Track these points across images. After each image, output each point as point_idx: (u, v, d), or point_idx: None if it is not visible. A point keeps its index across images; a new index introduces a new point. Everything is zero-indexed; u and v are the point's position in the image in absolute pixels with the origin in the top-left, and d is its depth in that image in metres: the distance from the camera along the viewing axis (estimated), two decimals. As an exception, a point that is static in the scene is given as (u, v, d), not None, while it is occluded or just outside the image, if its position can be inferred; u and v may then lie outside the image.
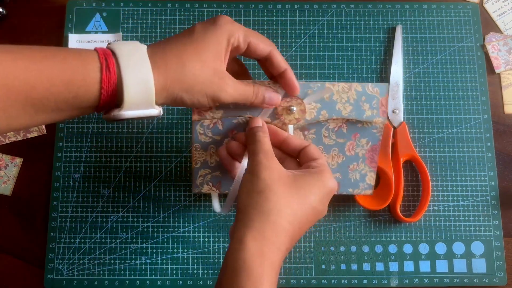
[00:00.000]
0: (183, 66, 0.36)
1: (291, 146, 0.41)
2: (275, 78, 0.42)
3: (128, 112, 0.35)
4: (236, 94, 0.39)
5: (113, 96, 0.34)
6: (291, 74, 0.41)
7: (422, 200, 0.52)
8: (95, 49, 0.35)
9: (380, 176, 0.53)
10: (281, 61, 0.41)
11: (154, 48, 0.36)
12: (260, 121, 0.42)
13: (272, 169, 0.37)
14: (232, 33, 0.38)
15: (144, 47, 0.36)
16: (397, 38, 0.56)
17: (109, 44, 0.36)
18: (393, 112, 0.54)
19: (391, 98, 0.54)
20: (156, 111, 0.37)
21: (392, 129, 0.53)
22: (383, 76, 0.55)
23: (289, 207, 0.36)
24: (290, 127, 0.43)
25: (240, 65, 0.45)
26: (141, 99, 0.35)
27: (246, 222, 0.35)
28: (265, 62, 0.42)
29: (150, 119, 0.38)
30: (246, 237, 0.34)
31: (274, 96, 0.42)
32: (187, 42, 0.37)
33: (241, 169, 0.40)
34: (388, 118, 0.53)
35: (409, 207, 0.53)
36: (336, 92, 0.43)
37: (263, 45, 0.40)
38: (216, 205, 0.46)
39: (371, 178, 0.46)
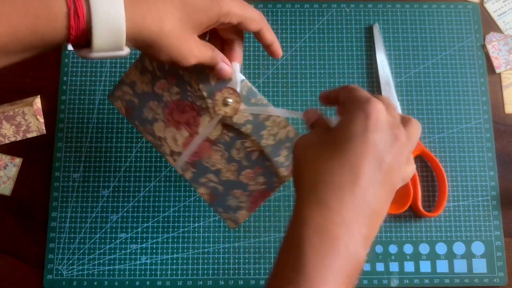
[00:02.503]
0: (155, 3, 0.35)
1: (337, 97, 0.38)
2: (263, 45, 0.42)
3: (96, 54, 0.34)
4: (201, 48, 0.38)
5: (82, 38, 0.33)
6: (276, 46, 0.41)
7: (440, 193, 0.52)
8: None
9: None
10: (269, 37, 0.41)
11: None
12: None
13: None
14: (227, 13, 0.37)
15: None
16: (376, 38, 0.56)
17: None
18: None
19: None
20: (125, 52, 0.35)
21: None
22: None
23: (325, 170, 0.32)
24: (235, 117, 0.43)
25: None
26: (110, 45, 0.33)
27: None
28: (254, 33, 0.41)
29: (120, 58, 0.38)
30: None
31: (226, 67, 0.41)
32: None
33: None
34: None
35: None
36: (272, 121, 0.42)
37: (255, 24, 0.39)
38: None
39: (242, 216, 0.44)
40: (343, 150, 0.32)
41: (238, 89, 0.42)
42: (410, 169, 0.36)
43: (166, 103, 0.44)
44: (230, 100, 0.42)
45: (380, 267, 0.51)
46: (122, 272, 0.50)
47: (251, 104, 0.42)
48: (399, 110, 0.54)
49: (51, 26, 0.32)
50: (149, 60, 0.43)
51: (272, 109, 0.42)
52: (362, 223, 0.31)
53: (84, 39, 0.33)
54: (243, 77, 0.43)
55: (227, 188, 0.44)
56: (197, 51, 0.38)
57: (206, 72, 0.42)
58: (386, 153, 0.32)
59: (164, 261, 0.51)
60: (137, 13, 0.34)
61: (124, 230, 0.51)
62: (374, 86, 0.55)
